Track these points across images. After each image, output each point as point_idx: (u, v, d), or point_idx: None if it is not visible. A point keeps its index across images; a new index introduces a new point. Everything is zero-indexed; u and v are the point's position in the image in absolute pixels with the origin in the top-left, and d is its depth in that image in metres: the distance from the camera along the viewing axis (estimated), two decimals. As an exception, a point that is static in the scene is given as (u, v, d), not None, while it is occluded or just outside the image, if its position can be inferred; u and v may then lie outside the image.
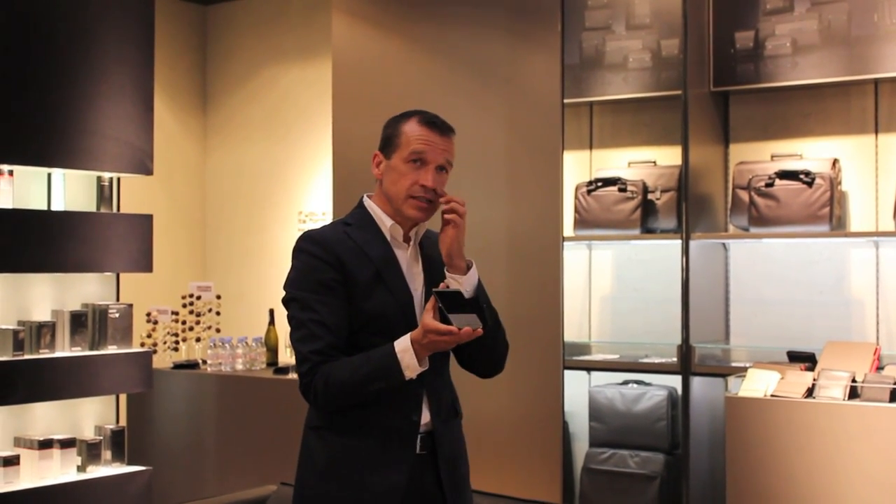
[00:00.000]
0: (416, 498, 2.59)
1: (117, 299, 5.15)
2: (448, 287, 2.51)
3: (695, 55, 5.01)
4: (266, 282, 6.69)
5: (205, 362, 5.77)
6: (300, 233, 7.16)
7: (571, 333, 5.53)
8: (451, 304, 2.45)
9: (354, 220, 2.67)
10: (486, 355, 2.71)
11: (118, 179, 5.13)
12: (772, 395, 4.42)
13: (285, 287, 2.62)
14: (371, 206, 2.68)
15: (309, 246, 2.61)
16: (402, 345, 2.48)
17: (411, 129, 2.62)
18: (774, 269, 5.18)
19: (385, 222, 2.65)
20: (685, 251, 4.87)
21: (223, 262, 6.99)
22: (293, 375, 5.41)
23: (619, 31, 5.44)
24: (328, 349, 2.52)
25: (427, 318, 2.45)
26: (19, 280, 4.77)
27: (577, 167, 5.67)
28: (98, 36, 4.87)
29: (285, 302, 2.62)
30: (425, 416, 2.61)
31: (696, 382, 4.92)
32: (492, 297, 2.72)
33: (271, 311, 5.87)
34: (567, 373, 4.87)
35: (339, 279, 2.55)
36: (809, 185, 4.80)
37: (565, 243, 4.88)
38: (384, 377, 2.48)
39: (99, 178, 5.03)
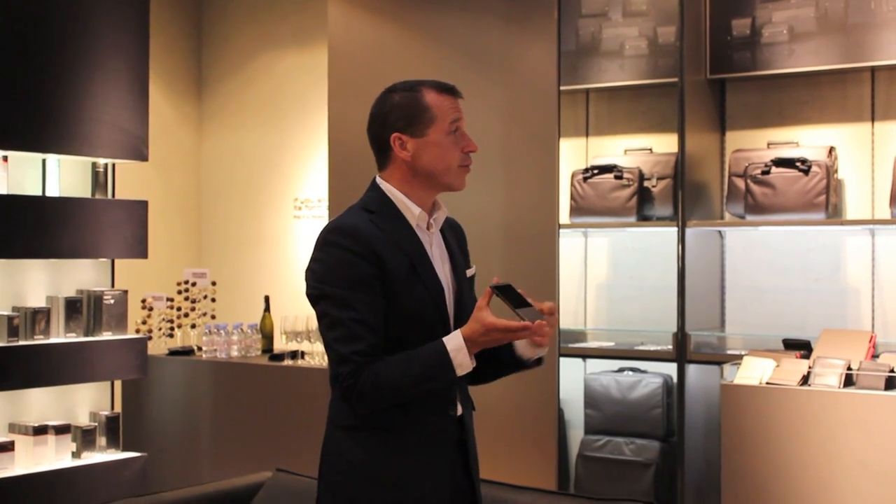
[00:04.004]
0: (452, 489, 2.55)
1: (112, 286, 5.14)
2: (500, 282, 2.43)
3: (691, 42, 5.00)
4: (262, 268, 6.69)
5: (200, 349, 5.77)
6: (296, 219, 7.13)
7: (567, 321, 5.53)
8: (513, 299, 2.40)
9: (376, 207, 2.52)
10: (499, 374, 2.66)
11: (113, 165, 5.12)
12: (767, 383, 4.42)
13: (313, 282, 2.47)
14: (391, 190, 2.54)
15: (341, 239, 2.44)
16: (455, 343, 2.38)
17: (437, 99, 2.54)
18: (770, 256, 5.19)
19: (413, 210, 2.53)
20: (681, 239, 4.87)
21: (218, 249, 6.98)
22: (288, 362, 5.41)
23: (615, 18, 5.42)
24: (371, 349, 2.39)
25: (487, 317, 2.36)
26: (14, 266, 4.76)
27: (574, 154, 5.67)
28: (93, 22, 4.85)
29: (314, 297, 2.47)
30: (458, 409, 2.56)
31: (692, 370, 4.92)
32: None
33: (267, 298, 5.87)
34: (562, 360, 4.88)
35: (376, 275, 2.42)
36: (805, 172, 4.79)
37: (561, 231, 4.87)
38: (437, 377, 2.40)
39: (94, 164, 5.02)
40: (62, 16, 4.74)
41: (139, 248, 5.00)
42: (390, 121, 2.53)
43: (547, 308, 2.43)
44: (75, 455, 4.85)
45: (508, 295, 2.41)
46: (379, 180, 2.57)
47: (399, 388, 2.39)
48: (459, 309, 2.58)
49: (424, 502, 2.49)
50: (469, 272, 2.65)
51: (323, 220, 6.24)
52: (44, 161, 4.85)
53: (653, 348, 5.23)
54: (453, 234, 2.69)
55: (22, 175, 4.81)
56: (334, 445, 2.53)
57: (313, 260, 2.49)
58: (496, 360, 2.59)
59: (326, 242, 2.46)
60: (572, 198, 5.38)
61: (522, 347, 2.53)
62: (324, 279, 2.44)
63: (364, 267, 2.42)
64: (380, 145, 2.57)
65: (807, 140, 5.08)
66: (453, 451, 2.56)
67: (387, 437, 2.47)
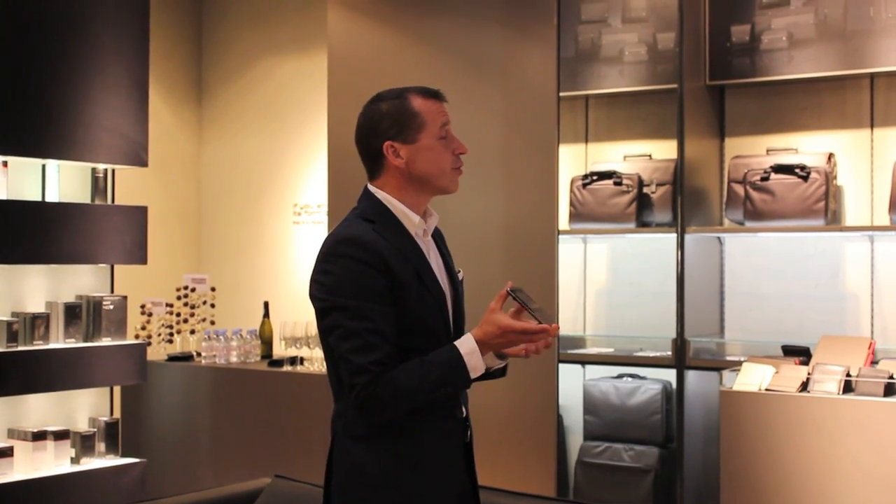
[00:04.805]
0: (461, 489, 2.58)
1: (112, 291, 5.14)
2: (514, 286, 2.46)
3: (691, 49, 5.00)
4: (261, 274, 6.69)
5: (199, 354, 5.76)
6: (296, 225, 7.11)
7: (566, 327, 5.53)
8: (527, 302, 2.42)
9: (375, 217, 2.51)
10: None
11: (113, 171, 5.12)
12: (766, 389, 4.42)
13: (322, 294, 2.45)
14: (387, 198, 2.54)
15: (351, 250, 2.42)
16: (468, 347, 2.41)
17: (425, 105, 2.53)
18: (769, 263, 5.19)
19: (412, 218, 2.53)
20: (680, 245, 4.87)
21: (218, 255, 6.98)
22: (288, 368, 5.41)
23: (615, 24, 5.43)
24: (387, 359, 2.39)
25: (503, 318, 2.39)
26: (13, 271, 4.76)
27: (573, 160, 5.67)
28: (93, 27, 4.85)
29: (324, 310, 2.45)
30: (463, 411, 2.58)
31: (691, 376, 4.92)
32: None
33: (266, 304, 5.87)
34: (562, 366, 4.87)
35: (387, 285, 2.42)
36: (805, 179, 4.80)
37: (560, 237, 4.87)
38: (452, 382, 2.42)
39: (94, 170, 5.02)
40: (62, 21, 4.74)
41: (139, 254, 5.00)
42: (381, 129, 2.52)
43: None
44: (74, 461, 4.85)
45: (523, 298, 2.42)
46: (373, 189, 2.56)
47: (416, 395, 2.40)
48: (457, 313, 2.60)
49: (444, 502, 2.51)
50: (458, 275, 2.68)
51: (322, 226, 6.24)
52: (43, 166, 4.85)
53: (652, 354, 5.23)
54: (439, 239, 2.71)
55: (21, 180, 4.81)
56: (347, 456, 2.51)
57: (321, 272, 2.47)
58: None
59: (335, 254, 2.45)
60: (571, 204, 5.39)
61: (489, 357, 2.52)
62: (335, 291, 2.43)
63: (376, 277, 2.41)
64: (372, 155, 2.55)
65: (806, 146, 5.08)
66: (461, 453, 2.58)
67: (400, 444, 2.48)
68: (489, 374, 2.58)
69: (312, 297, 2.49)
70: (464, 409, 2.58)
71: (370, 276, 2.41)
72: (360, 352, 2.38)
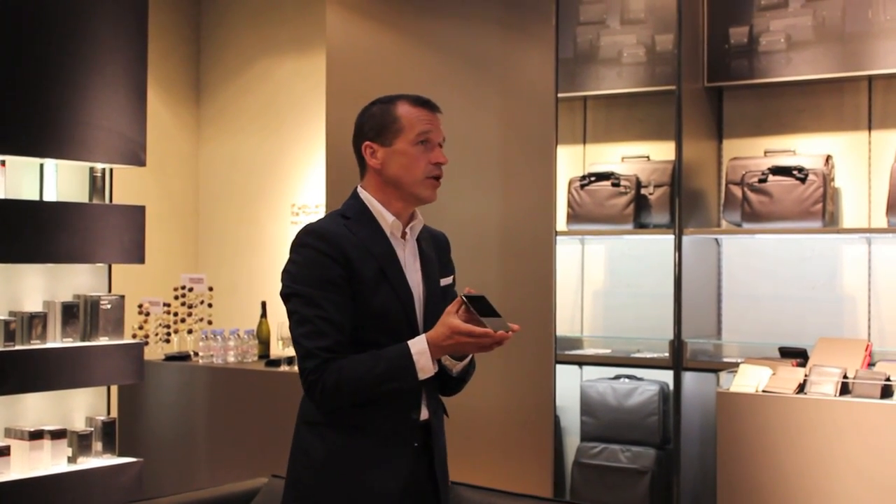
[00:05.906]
0: (412, 491, 2.59)
1: (109, 290, 5.14)
2: (473, 292, 2.48)
3: (689, 50, 5.00)
4: (258, 274, 6.69)
5: (196, 354, 5.76)
6: (293, 225, 7.11)
7: (563, 328, 5.53)
8: (481, 308, 2.44)
9: (353, 214, 2.61)
10: (452, 387, 2.71)
11: (111, 170, 5.12)
12: (763, 391, 4.43)
13: (286, 281, 2.57)
14: (368, 198, 2.63)
15: (314, 241, 2.53)
16: (419, 347, 2.46)
17: (408, 111, 2.61)
18: (767, 264, 5.19)
19: (386, 217, 2.61)
20: (678, 246, 4.87)
21: (216, 254, 6.98)
22: (285, 368, 5.41)
23: (613, 25, 5.44)
24: (336, 346, 2.47)
25: (454, 320, 2.43)
26: (11, 270, 4.76)
27: (571, 161, 5.67)
28: (92, 27, 4.86)
29: (286, 296, 2.56)
30: (424, 414, 2.61)
31: (688, 378, 4.92)
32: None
33: (263, 304, 5.87)
34: (559, 367, 4.87)
35: (344, 276, 2.51)
36: (802, 181, 4.80)
37: (558, 238, 4.87)
38: (398, 378, 2.46)
39: (91, 169, 5.02)
40: (61, 20, 4.74)
41: (136, 254, 5.00)
42: (364, 130, 2.64)
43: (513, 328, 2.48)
44: (71, 460, 4.85)
45: (478, 305, 2.45)
46: (359, 189, 2.68)
47: (361, 386, 2.46)
48: (430, 316, 2.63)
49: (381, 501, 2.54)
50: (445, 281, 2.73)
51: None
52: (41, 166, 4.85)
53: (649, 356, 5.23)
54: (433, 244, 2.76)
55: (19, 179, 4.81)
56: (299, 440, 2.64)
57: (288, 261, 2.59)
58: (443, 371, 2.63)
59: (300, 244, 2.57)
60: (569, 205, 5.39)
61: (447, 359, 2.59)
62: (296, 279, 2.55)
63: (333, 268, 2.51)
64: (356, 154, 2.68)
65: (804, 148, 5.09)
66: (416, 455, 2.60)
67: (348, 434, 2.55)
68: (456, 379, 2.63)
69: (281, 283, 2.60)
70: (425, 412, 2.62)
71: (328, 266, 2.51)
72: (310, 337, 2.49)
